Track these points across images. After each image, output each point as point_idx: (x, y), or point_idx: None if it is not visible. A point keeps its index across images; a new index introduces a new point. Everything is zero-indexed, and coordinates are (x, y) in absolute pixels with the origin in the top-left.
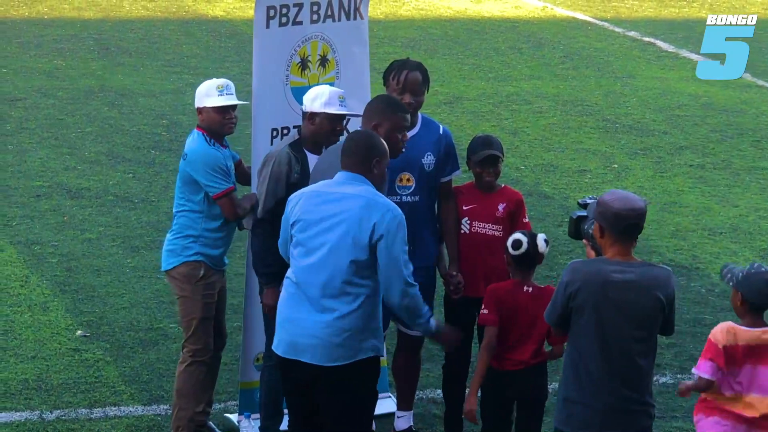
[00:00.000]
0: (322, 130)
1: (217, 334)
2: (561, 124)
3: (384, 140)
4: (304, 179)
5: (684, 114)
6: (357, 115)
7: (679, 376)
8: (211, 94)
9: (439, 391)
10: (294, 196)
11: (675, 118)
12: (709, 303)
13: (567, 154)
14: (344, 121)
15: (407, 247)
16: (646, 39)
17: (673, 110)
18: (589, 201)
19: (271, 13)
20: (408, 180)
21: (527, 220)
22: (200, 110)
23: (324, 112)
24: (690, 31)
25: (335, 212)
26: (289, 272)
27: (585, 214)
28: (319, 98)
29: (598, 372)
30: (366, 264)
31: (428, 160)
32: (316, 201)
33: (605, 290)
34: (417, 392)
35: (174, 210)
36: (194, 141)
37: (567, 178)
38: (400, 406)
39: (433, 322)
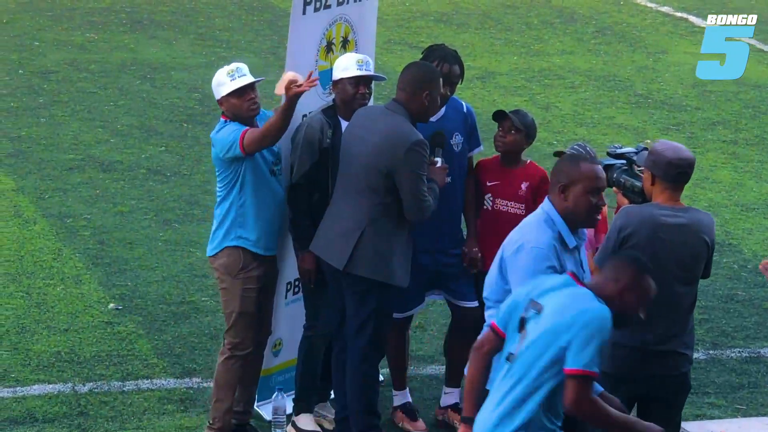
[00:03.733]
0: (346, 95)
1: (258, 327)
2: (593, 99)
3: (432, 105)
4: (336, 145)
5: (716, 90)
6: (378, 77)
7: (711, 352)
8: (223, 82)
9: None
10: None
11: (707, 94)
12: (741, 279)
13: (599, 129)
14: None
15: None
16: (679, 14)
17: (705, 86)
18: (619, 150)
19: None
20: None
21: None
22: (220, 102)
23: (343, 77)
24: (723, 7)
25: None
26: None
27: (612, 162)
28: (339, 66)
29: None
30: None
31: (457, 140)
32: None
33: (657, 233)
34: (438, 366)
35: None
36: (215, 128)
37: (599, 153)
38: (450, 382)
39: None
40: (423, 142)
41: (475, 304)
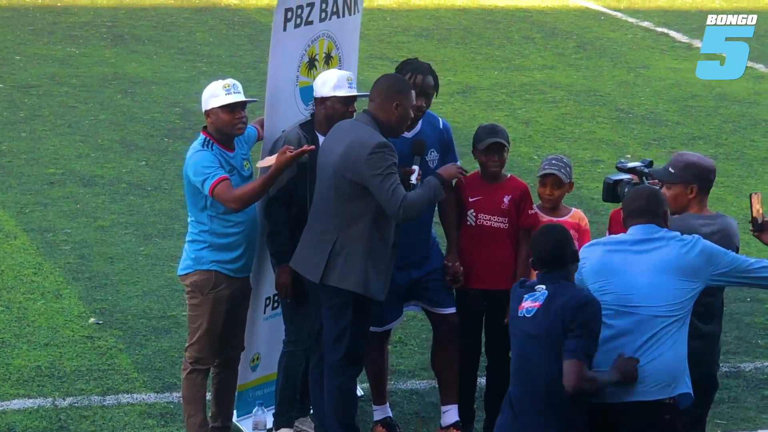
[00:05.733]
0: (335, 113)
1: (226, 343)
2: (574, 114)
3: (402, 116)
4: (314, 159)
5: (697, 105)
6: (366, 95)
7: None
8: (217, 94)
9: None
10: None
11: (688, 109)
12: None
13: (580, 143)
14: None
15: None
16: (660, 29)
17: (686, 101)
18: (629, 165)
19: (289, 15)
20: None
21: (533, 210)
22: (208, 113)
23: (334, 96)
24: (703, 22)
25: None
26: None
27: (621, 177)
28: (327, 83)
29: None
30: None
31: (432, 156)
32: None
33: None
34: (429, 380)
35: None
36: (191, 146)
37: (580, 168)
38: (445, 400)
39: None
40: (385, 144)
41: (452, 310)
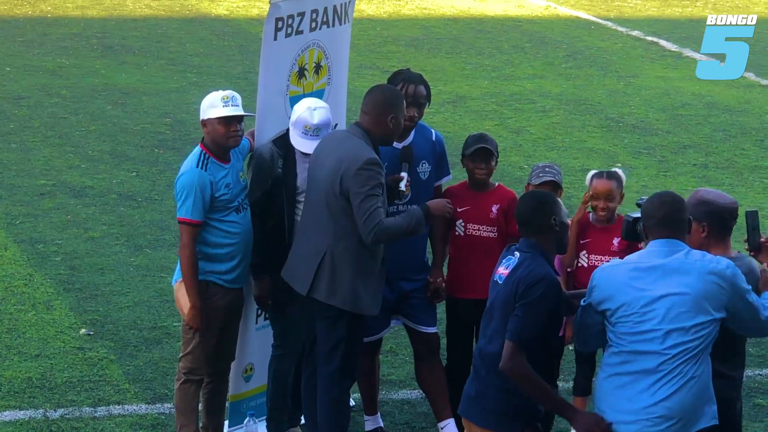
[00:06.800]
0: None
1: (220, 354)
2: (564, 123)
3: (396, 129)
4: (288, 173)
5: (687, 113)
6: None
7: None
8: (215, 105)
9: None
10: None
11: (678, 118)
12: None
13: (570, 153)
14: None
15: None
16: (650, 38)
17: (676, 109)
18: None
19: (279, 24)
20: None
21: None
22: (204, 123)
23: (293, 129)
24: (693, 31)
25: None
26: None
27: (640, 215)
28: (296, 111)
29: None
30: None
31: (423, 168)
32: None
33: None
34: (421, 390)
35: None
36: (188, 158)
37: (570, 177)
38: (442, 415)
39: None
40: (375, 161)
41: (434, 330)
